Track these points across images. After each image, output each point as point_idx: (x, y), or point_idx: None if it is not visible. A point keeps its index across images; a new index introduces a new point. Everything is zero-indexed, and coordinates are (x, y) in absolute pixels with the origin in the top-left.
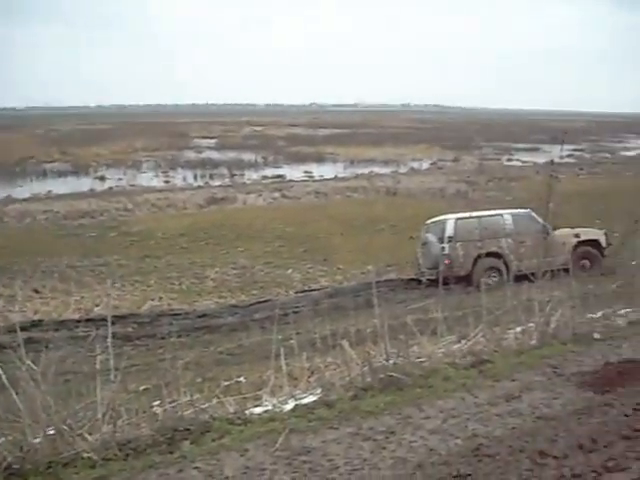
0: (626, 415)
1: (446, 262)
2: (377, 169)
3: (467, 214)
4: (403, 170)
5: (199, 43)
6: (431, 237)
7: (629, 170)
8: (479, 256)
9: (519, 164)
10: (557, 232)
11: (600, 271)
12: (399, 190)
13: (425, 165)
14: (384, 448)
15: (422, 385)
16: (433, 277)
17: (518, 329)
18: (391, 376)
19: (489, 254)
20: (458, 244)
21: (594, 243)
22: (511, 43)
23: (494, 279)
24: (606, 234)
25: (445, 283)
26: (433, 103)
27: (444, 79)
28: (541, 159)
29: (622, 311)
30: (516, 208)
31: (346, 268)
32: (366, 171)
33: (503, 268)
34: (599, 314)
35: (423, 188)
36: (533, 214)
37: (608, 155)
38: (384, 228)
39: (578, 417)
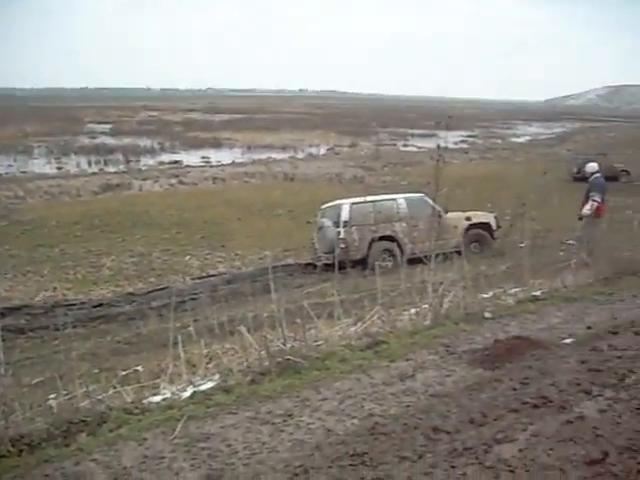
0: (514, 389)
1: (342, 246)
2: (274, 154)
3: (362, 199)
4: (300, 155)
5: (92, 26)
6: (327, 222)
7: (518, 155)
8: (374, 240)
9: (414, 149)
10: (449, 215)
11: (491, 253)
12: (296, 175)
13: (322, 150)
14: (282, 431)
15: (319, 367)
16: (329, 261)
17: (412, 310)
18: (289, 360)
19: (384, 238)
20: (353, 228)
21: (485, 226)
22: (412, 29)
23: (389, 262)
24: (496, 217)
25: (342, 267)
26: (330, 89)
27: (340, 65)
28: (436, 144)
29: (512, 290)
30: (411, 192)
31: (244, 254)
32: (263, 156)
33: (397, 251)
34: (490, 294)
35: (320, 173)
36: (426, 198)
37: (499, 141)
38: (282, 213)
39: (469, 393)
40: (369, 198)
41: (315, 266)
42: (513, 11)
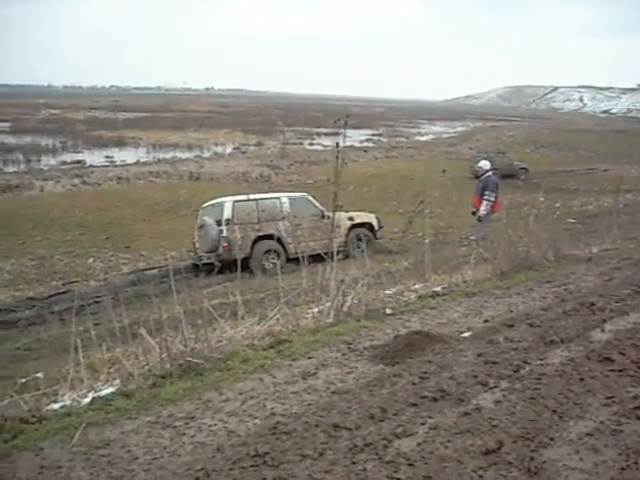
0: (414, 384)
1: (224, 245)
2: (180, 154)
3: (245, 196)
4: (206, 155)
5: None
6: (208, 220)
7: (422, 154)
8: (257, 239)
9: (320, 148)
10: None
11: (374, 251)
12: (202, 174)
13: (228, 150)
14: (184, 434)
15: (221, 368)
16: (211, 261)
17: (315, 309)
18: (190, 361)
19: (267, 237)
20: (236, 227)
21: (367, 225)
22: (317, 29)
23: (273, 262)
24: (377, 217)
25: (245, 267)
26: (237, 87)
27: (247, 64)
28: (342, 143)
29: (414, 287)
30: (297, 192)
31: (149, 254)
32: (169, 156)
33: (281, 250)
34: (392, 290)
35: (226, 172)
36: (310, 197)
37: (404, 139)
38: (187, 213)
39: (370, 389)
40: (252, 196)
41: (196, 266)
42: (417, 14)
